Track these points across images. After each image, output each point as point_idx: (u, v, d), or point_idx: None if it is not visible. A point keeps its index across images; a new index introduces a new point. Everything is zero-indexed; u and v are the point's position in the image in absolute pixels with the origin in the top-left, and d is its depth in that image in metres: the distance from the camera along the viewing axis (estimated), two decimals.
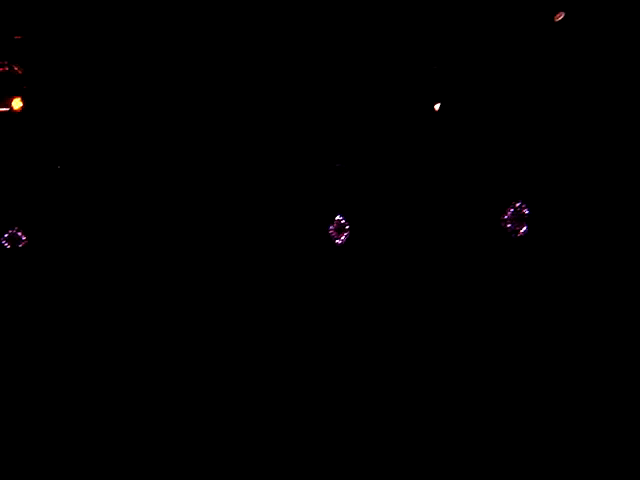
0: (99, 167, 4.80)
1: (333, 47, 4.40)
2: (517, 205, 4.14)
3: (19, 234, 4.76)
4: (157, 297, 4.66)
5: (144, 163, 4.74)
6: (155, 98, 4.58)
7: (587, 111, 3.91)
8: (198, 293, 4.64)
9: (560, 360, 3.86)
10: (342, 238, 4.55)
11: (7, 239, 4.71)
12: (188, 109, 4.65)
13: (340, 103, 4.57)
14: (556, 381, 3.82)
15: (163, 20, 4.19)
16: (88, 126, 4.74)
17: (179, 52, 4.38)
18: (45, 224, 4.84)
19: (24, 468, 4.07)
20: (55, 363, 4.62)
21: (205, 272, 4.67)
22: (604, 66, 3.82)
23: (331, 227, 4.58)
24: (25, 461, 4.11)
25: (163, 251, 4.71)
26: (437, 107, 4.34)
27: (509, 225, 4.17)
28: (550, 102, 4.04)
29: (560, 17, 3.75)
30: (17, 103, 4.47)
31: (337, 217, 4.56)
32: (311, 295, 4.57)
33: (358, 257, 4.53)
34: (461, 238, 4.32)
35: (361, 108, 4.56)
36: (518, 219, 4.14)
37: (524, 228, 4.12)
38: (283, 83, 4.55)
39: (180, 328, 4.61)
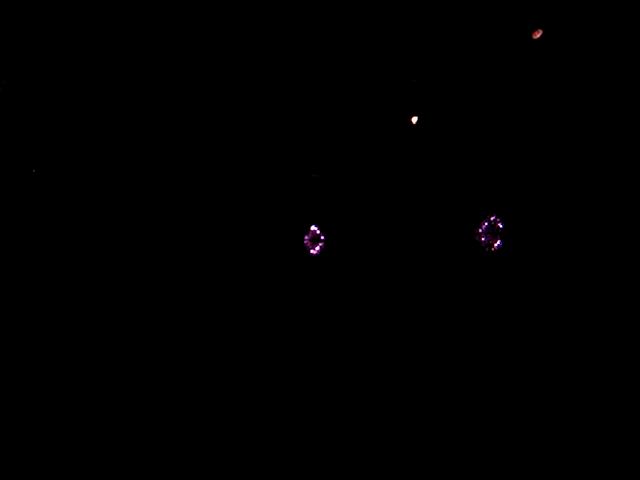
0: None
1: (311, 58, 4.39)
2: (492, 219, 4.24)
3: None
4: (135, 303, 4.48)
5: (129, 165, 4.56)
6: (144, 97, 4.41)
7: (564, 128, 4.06)
8: (176, 303, 4.47)
9: (535, 373, 3.94)
10: (317, 249, 4.49)
11: None
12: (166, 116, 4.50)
13: (316, 115, 4.54)
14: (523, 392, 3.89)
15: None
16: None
17: (171, 51, 4.26)
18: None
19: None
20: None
21: (180, 281, 4.51)
22: (585, 84, 3.98)
23: (306, 237, 4.52)
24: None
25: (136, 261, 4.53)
26: (414, 120, 4.38)
27: (483, 239, 4.26)
28: (526, 119, 4.17)
29: (538, 35, 3.88)
30: None
31: (312, 227, 4.50)
32: (286, 304, 4.48)
33: (332, 267, 4.49)
34: (436, 250, 4.36)
35: (337, 120, 4.54)
36: (492, 233, 4.23)
37: (498, 242, 4.22)
38: (261, 93, 4.48)
39: (161, 337, 4.43)
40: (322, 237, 4.50)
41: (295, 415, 4.14)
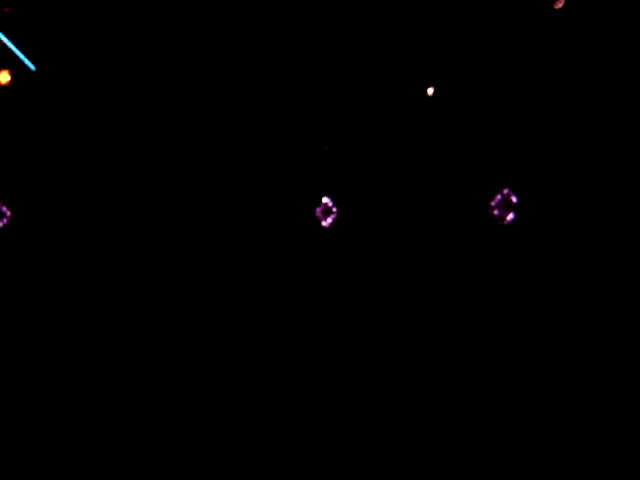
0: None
1: (322, 28, 4.25)
2: (505, 192, 4.28)
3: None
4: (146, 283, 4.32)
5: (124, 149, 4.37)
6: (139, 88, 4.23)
7: (574, 102, 4.12)
8: (183, 276, 4.32)
9: (548, 348, 4.05)
10: (328, 221, 4.42)
11: None
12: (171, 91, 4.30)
13: (327, 84, 4.41)
14: (544, 370, 4.00)
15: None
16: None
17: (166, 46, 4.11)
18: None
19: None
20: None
21: (189, 256, 4.34)
22: (593, 58, 4.04)
23: (317, 209, 4.43)
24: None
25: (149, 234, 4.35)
26: (430, 91, 4.33)
27: (496, 212, 4.30)
28: (539, 91, 4.21)
29: (560, 4, 3.87)
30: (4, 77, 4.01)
31: (324, 199, 4.42)
32: (297, 277, 4.41)
33: (344, 240, 4.43)
34: (449, 223, 4.38)
35: (349, 89, 4.43)
36: (505, 206, 4.28)
37: (511, 215, 4.27)
38: (270, 65, 4.32)
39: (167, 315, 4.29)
40: (334, 209, 4.42)
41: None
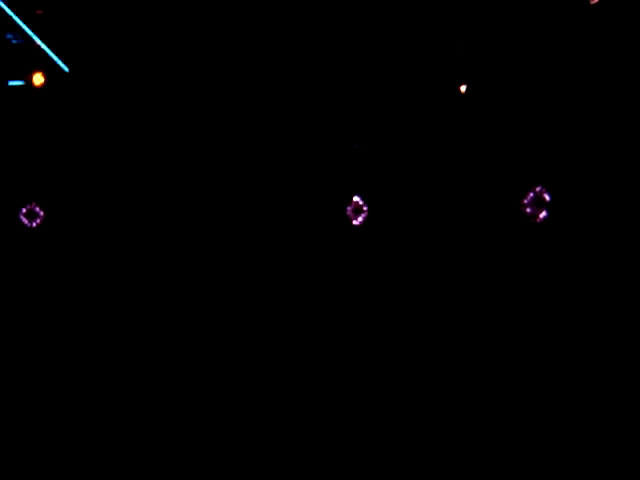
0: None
1: (354, 25, 4.23)
2: (537, 190, 4.25)
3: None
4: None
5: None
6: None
7: (610, 102, 4.07)
8: (212, 276, 4.35)
9: (574, 347, 4.02)
10: (359, 219, 4.42)
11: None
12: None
13: (359, 83, 4.40)
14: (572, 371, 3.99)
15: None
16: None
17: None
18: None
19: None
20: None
21: (221, 257, 4.37)
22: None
23: (348, 208, 4.43)
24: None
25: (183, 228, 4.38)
26: (463, 89, 4.29)
27: (529, 210, 4.27)
28: (573, 90, 4.16)
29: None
30: (38, 79, 4.03)
31: (355, 198, 4.41)
32: (328, 276, 4.42)
33: (376, 238, 4.43)
34: (480, 221, 4.36)
35: (380, 89, 4.41)
36: (538, 204, 4.25)
37: (544, 213, 4.24)
38: (302, 61, 4.30)
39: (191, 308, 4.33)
40: (365, 208, 4.42)
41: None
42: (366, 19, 4.18)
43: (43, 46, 4.04)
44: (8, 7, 3.89)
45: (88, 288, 4.50)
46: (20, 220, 4.51)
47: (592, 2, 3.88)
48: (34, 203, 4.46)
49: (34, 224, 4.49)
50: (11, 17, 3.91)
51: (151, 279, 4.47)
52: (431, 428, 4.03)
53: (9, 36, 4.03)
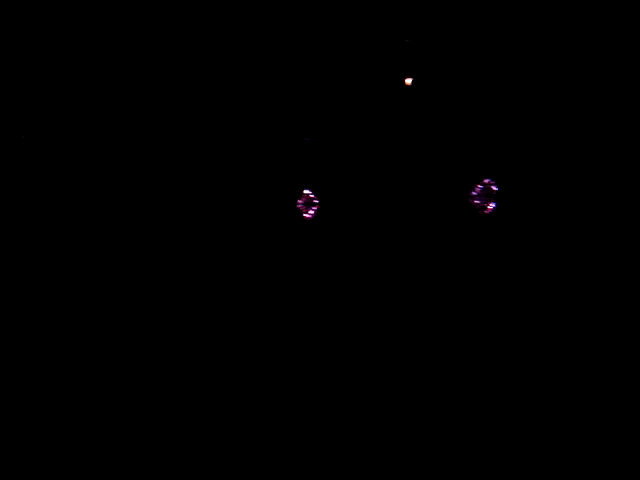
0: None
1: (301, 17, 4.24)
2: (486, 182, 4.28)
3: None
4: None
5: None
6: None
7: (558, 94, 4.10)
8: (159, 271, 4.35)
9: (530, 340, 4.05)
10: (311, 212, 4.43)
11: None
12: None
13: (307, 75, 4.41)
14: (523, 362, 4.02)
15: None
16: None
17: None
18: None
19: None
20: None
21: (172, 252, 4.38)
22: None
23: (299, 201, 4.44)
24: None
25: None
26: (409, 81, 4.31)
27: (477, 201, 4.30)
28: (519, 79, 4.19)
29: None
30: None
31: (305, 191, 4.42)
32: (280, 269, 4.43)
33: (327, 232, 4.44)
34: (430, 214, 4.38)
35: (329, 80, 4.42)
36: (487, 196, 4.28)
37: (492, 205, 4.27)
38: (251, 53, 4.31)
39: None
40: (316, 200, 4.43)
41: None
42: (312, 10, 4.19)
43: None
44: None
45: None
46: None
47: None
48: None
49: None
50: None
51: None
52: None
53: None
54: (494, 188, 4.25)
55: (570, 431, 3.74)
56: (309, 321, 4.40)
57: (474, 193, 4.30)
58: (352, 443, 3.97)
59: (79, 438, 4.05)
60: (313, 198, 4.43)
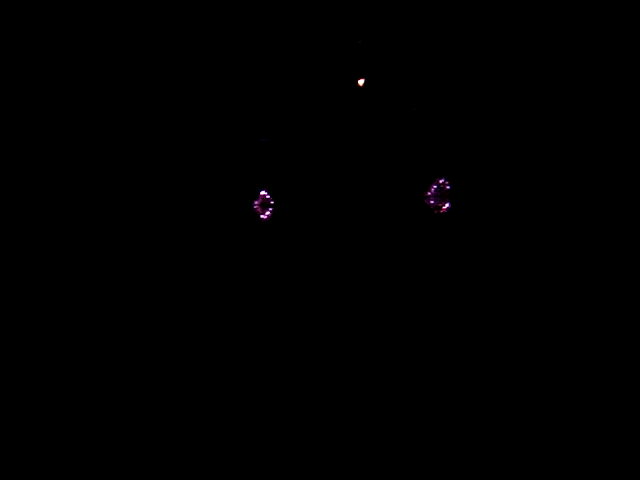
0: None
1: (257, 19, 4.25)
2: (440, 182, 4.31)
3: None
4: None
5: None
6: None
7: (510, 94, 4.14)
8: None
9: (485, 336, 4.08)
10: (267, 213, 4.43)
11: None
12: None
13: (262, 76, 4.42)
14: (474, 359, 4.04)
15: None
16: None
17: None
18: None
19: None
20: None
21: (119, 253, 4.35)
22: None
23: (256, 202, 4.44)
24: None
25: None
26: (361, 82, 4.34)
27: (432, 202, 4.33)
28: (469, 78, 4.22)
29: None
30: None
31: (262, 192, 4.43)
32: (236, 269, 4.42)
33: (283, 232, 4.44)
34: (385, 213, 4.40)
35: (284, 80, 4.43)
36: (441, 195, 4.31)
37: (447, 204, 4.30)
38: (207, 54, 4.31)
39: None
40: (272, 202, 4.43)
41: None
42: (266, 11, 4.21)
43: None
44: None
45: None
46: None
47: None
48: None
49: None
50: None
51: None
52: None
53: None
54: (448, 188, 4.28)
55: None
56: (265, 318, 4.39)
57: (429, 193, 4.33)
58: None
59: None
60: (269, 199, 4.43)
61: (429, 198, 4.31)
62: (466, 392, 3.98)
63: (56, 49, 4.26)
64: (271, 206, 4.44)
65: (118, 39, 4.23)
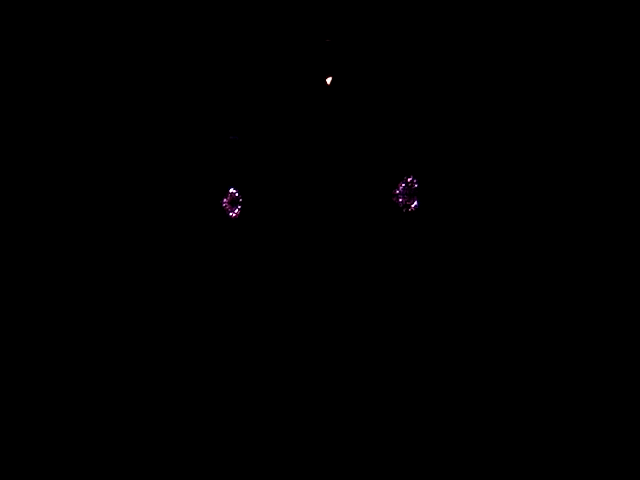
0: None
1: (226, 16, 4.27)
2: (408, 180, 4.29)
3: None
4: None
5: None
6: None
7: (478, 90, 4.12)
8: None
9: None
10: (236, 211, 4.43)
11: None
12: None
13: (232, 73, 4.43)
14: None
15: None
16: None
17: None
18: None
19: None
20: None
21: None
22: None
23: (225, 200, 4.44)
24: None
25: None
26: (329, 81, 4.34)
27: (400, 200, 4.31)
28: (438, 75, 4.21)
29: None
30: None
31: (231, 190, 4.43)
32: (204, 267, 4.43)
33: (252, 230, 4.45)
34: (353, 211, 4.39)
35: (254, 79, 4.44)
36: (409, 194, 4.29)
37: (415, 202, 4.28)
38: (177, 51, 4.33)
39: None
40: (241, 199, 4.44)
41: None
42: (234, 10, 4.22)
43: None
44: None
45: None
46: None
47: None
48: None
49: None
50: None
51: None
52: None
53: None
54: (416, 186, 4.27)
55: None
56: (234, 317, 4.39)
57: (397, 191, 4.31)
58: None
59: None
60: (238, 197, 4.44)
61: (397, 196, 4.30)
62: (451, 389, 3.96)
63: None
64: (240, 204, 4.44)
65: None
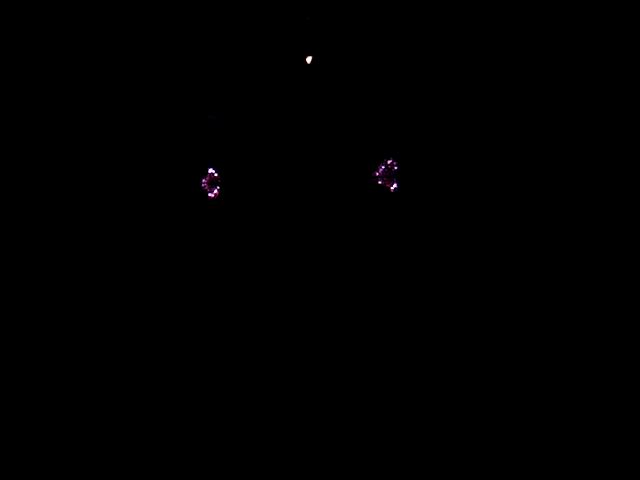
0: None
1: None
2: (388, 162, 4.31)
3: None
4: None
5: None
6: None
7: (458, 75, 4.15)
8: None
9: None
10: (215, 191, 4.40)
11: None
12: None
13: (210, 53, 4.35)
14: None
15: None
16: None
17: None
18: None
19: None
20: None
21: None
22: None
23: (204, 180, 4.40)
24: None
25: None
26: (309, 60, 4.30)
27: (380, 182, 4.33)
28: (418, 63, 4.22)
29: None
30: None
31: (210, 170, 4.39)
32: (184, 249, 4.39)
33: (231, 210, 4.42)
34: (333, 194, 4.40)
35: (233, 57, 4.37)
36: (389, 176, 4.32)
37: (395, 185, 4.31)
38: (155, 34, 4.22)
39: None
40: (220, 180, 4.40)
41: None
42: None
43: None
44: None
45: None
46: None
47: None
48: None
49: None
50: None
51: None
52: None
53: None
54: (396, 168, 4.29)
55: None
56: (217, 302, 4.38)
57: (377, 174, 4.33)
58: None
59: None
60: (217, 177, 4.40)
61: (377, 178, 4.32)
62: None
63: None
64: (219, 184, 4.40)
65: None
